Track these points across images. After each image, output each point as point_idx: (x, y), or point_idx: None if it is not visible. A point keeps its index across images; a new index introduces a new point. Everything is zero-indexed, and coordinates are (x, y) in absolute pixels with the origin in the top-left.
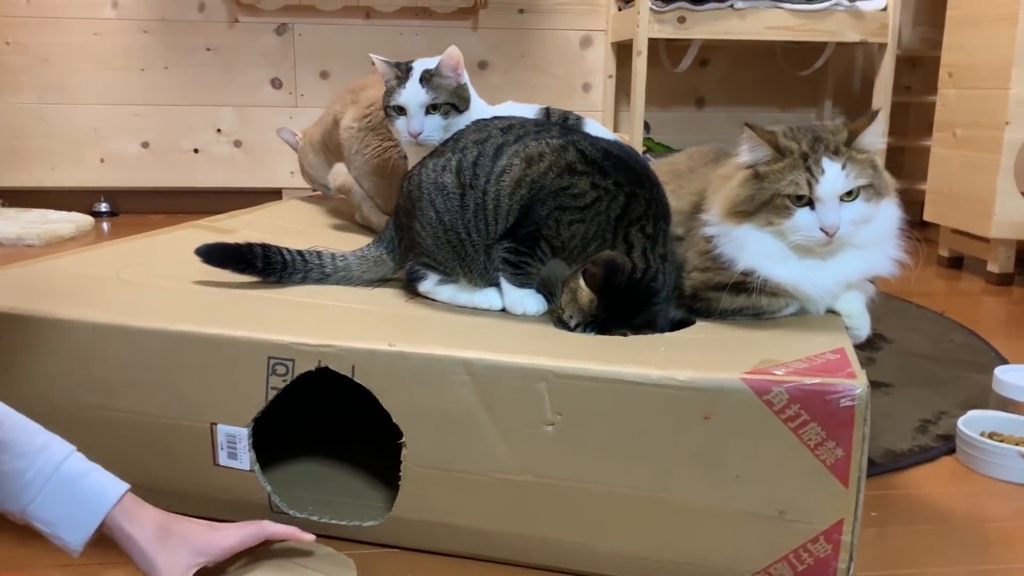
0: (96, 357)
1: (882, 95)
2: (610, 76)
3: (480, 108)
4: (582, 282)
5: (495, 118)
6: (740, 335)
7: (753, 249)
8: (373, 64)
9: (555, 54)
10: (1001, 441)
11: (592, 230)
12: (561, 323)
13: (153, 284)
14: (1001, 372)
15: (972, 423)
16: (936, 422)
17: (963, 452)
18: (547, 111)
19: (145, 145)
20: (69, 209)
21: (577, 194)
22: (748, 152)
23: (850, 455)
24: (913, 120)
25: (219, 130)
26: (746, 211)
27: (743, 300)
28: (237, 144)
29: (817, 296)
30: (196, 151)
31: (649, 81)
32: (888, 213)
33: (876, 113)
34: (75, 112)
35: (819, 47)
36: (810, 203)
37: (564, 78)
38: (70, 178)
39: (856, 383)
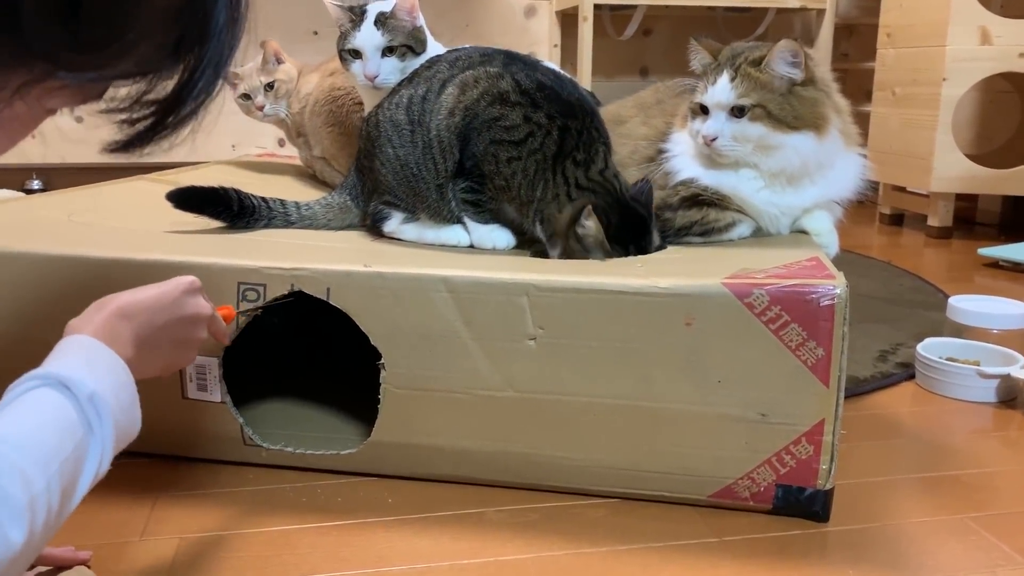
0: (51, 290)
1: (820, 61)
2: (555, 45)
3: (437, 50)
4: (590, 224)
5: (449, 51)
6: (716, 252)
7: (682, 152)
8: (315, 33)
9: (500, 23)
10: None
11: (532, 170)
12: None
13: (107, 224)
14: (956, 301)
15: (930, 349)
16: (894, 352)
17: (923, 376)
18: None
19: (79, 120)
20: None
21: (510, 127)
22: (696, 63)
23: (831, 355)
24: (851, 87)
25: None
26: (685, 116)
27: (693, 213)
28: None
29: (762, 206)
30: None
31: (594, 51)
32: (797, 147)
33: (782, 40)
34: None
35: (759, 15)
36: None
37: (509, 48)
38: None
39: (835, 282)
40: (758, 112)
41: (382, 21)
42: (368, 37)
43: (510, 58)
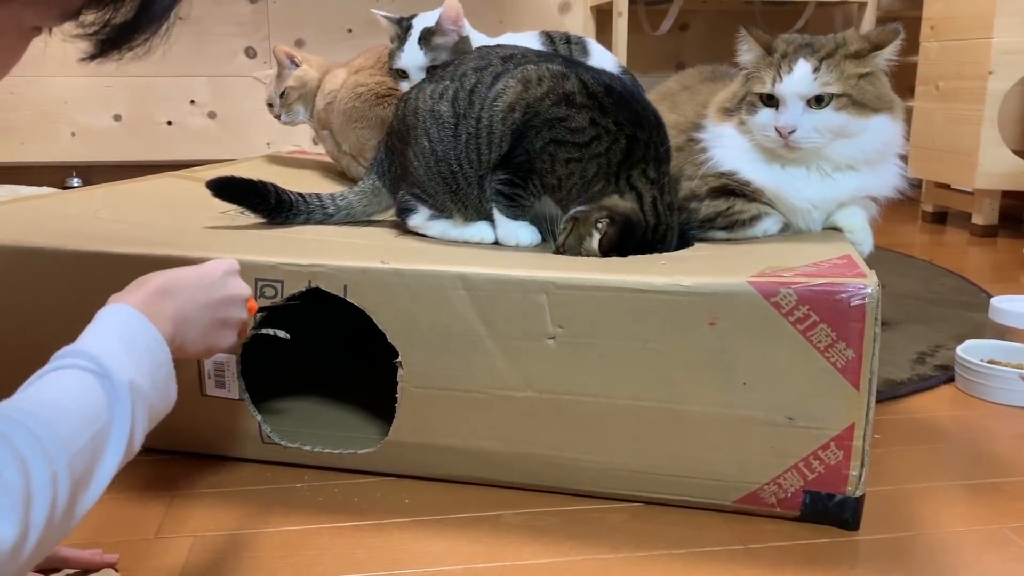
0: (71, 286)
1: None
2: None
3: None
4: (594, 235)
5: (498, 46)
6: (742, 249)
7: (728, 145)
8: (350, 31)
9: (533, 19)
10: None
11: (591, 171)
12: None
13: (130, 221)
14: (998, 301)
15: (971, 351)
16: (933, 354)
17: (963, 379)
18: (547, 34)
19: (117, 118)
20: (40, 185)
21: (575, 128)
22: (743, 54)
23: (861, 356)
24: (893, 81)
25: (193, 101)
26: (728, 109)
27: (720, 203)
28: (212, 116)
29: (798, 203)
30: (170, 123)
31: (629, 46)
32: (880, 129)
33: (898, 30)
34: (44, 85)
35: (799, 8)
36: (778, 103)
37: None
38: (40, 153)
39: (866, 282)
40: (843, 101)
41: (426, 38)
42: (411, 57)
43: (568, 60)
